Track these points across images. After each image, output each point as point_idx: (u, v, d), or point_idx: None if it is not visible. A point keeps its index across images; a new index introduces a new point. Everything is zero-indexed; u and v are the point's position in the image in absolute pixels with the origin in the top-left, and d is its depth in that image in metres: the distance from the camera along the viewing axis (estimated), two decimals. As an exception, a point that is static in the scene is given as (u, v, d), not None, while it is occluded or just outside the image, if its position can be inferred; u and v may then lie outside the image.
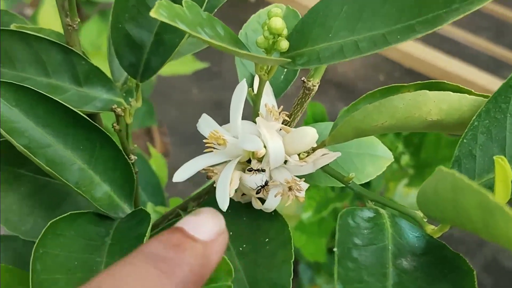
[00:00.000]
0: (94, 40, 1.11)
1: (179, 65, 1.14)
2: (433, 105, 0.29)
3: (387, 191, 1.10)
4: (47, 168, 0.31)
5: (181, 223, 0.25)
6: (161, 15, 0.24)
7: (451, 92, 0.29)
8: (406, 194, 1.07)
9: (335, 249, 0.25)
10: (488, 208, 0.18)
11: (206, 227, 0.25)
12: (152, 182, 0.66)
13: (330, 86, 1.90)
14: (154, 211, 0.62)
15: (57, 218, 0.30)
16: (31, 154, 0.31)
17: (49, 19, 1.06)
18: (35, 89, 0.32)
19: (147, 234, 0.29)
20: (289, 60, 0.29)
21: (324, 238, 1.04)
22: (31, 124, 0.32)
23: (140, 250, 0.24)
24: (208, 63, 1.27)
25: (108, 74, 0.40)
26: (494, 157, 0.24)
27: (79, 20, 0.35)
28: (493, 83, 1.49)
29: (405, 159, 0.93)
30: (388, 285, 0.25)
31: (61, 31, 0.38)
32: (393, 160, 0.39)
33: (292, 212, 1.02)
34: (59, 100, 0.32)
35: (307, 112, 1.03)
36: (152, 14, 0.23)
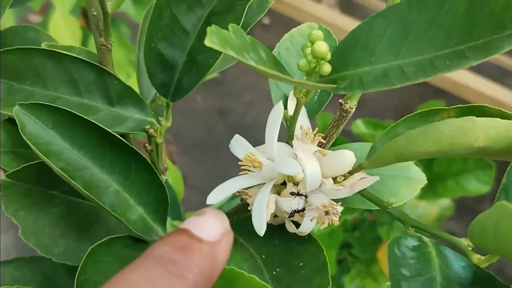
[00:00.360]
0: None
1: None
2: (480, 132, 0.28)
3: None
4: (85, 192, 0.30)
5: (186, 224, 0.26)
6: (214, 43, 0.23)
7: (499, 119, 0.28)
8: (416, 206, 1.07)
9: (388, 284, 0.25)
10: None
11: (212, 228, 0.26)
12: (169, 196, 0.65)
13: (339, 94, 1.89)
14: (171, 225, 0.61)
15: (96, 244, 0.30)
16: (69, 177, 0.30)
17: (60, 28, 1.06)
18: (72, 111, 0.31)
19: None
20: (334, 85, 0.28)
21: (333, 249, 1.03)
22: (67, 146, 0.31)
23: (149, 254, 0.24)
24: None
25: (136, 90, 0.39)
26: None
27: (112, 40, 0.35)
28: (501, 93, 1.49)
29: (418, 171, 0.93)
30: (439, 317, 0.25)
31: (73, 41, 0.38)
32: (426, 182, 0.38)
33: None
34: (94, 122, 0.32)
35: (319, 123, 1.03)
36: (207, 43, 0.23)
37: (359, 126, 0.94)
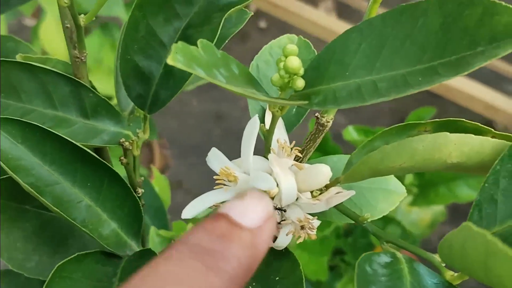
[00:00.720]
0: (95, 55, 1.10)
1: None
2: (453, 148, 0.28)
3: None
4: (54, 208, 0.30)
5: (225, 209, 0.23)
6: (178, 61, 0.23)
7: (473, 135, 0.28)
8: (409, 212, 1.06)
9: (355, 304, 0.24)
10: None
11: (254, 212, 0.23)
12: (155, 204, 0.65)
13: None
14: (157, 234, 0.61)
15: (64, 260, 0.29)
16: (37, 194, 0.30)
17: (51, 33, 1.06)
18: (42, 126, 0.31)
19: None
20: (306, 102, 0.28)
21: (325, 256, 1.03)
22: (37, 161, 0.31)
23: (184, 241, 0.21)
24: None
25: (114, 101, 0.39)
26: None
27: (87, 52, 0.35)
28: (495, 98, 1.49)
29: (409, 178, 0.93)
30: (408, 337, 0.25)
31: (64, 46, 0.38)
32: (406, 195, 0.38)
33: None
34: (65, 137, 0.32)
35: (309, 128, 1.02)
36: (169, 61, 0.22)
37: (351, 133, 0.93)
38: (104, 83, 1.04)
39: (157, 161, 1.55)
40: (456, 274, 0.28)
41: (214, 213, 0.23)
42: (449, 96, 1.58)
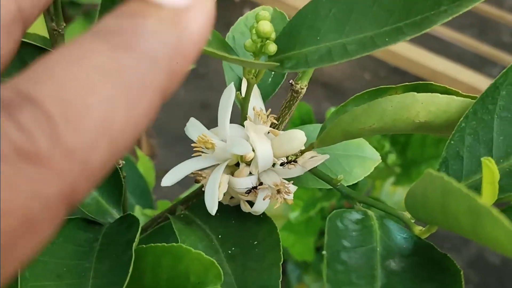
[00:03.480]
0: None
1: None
2: (421, 107, 0.29)
3: (374, 190, 1.11)
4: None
5: None
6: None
7: (439, 94, 0.29)
8: (393, 192, 1.08)
9: (324, 252, 0.25)
10: (476, 211, 0.19)
11: None
12: (139, 185, 0.66)
13: (317, 85, 1.90)
14: (142, 214, 0.62)
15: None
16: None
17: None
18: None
19: (136, 239, 0.29)
20: (277, 64, 0.29)
21: (311, 237, 1.04)
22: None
23: (87, 31, 0.17)
24: (195, 65, 1.27)
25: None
26: (482, 159, 0.24)
27: (64, 24, 0.35)
28: (479, 81, 1.51)
29: (392, 158, 0.94)
30: (376, 286, 0.26)
31: (46, 33, 0.38)
32: (380, 161, 0.39)
33: (280, 212, 1.02)
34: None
35: (294, 112, 1.03)
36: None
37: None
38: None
39: (144, 150, 1.56)
40: (424, 228, 0.29)
41: None
42: (434, 80, 1.60)
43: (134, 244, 0.29)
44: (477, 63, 1.82)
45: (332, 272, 0.25)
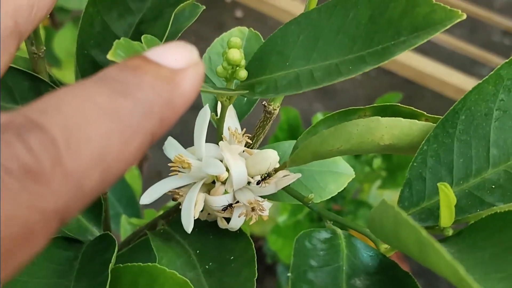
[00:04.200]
0: (68, 47, 1.11)
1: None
2: (385, 131, 0.30)
3: (362, 192, 1.12)
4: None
5: (144, 53, 0.20)
6: (118, 56, 0.25)
7: (402, 119, 0.30)
8: (380, 195, 1.09)
9: (289, 274, 0.27)
10: (422, 242, 0.20)
11: (174, 55, 0.20)
12: (126, 194, 0.67)
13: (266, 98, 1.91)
14: (128, 223, 0.63)
15: (25, 246, 0.31)
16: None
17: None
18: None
19: (112, 260, 0.30)
20: (247, 91, 0.30)
21: (301, 240, 1.05)
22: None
23: (91, 77, 0.19)
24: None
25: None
26: (438, 184, 0.25)
27: (44, 48, 0.36)
28: (468, 83, 1.52)
29: (377, 162, 0.95)
30: (341, 305, 0.27)
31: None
32: (354, 176, 0.40)
33: (269, 215, 1.03)
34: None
35: (281, 116, 1.04)
36: (109, 57, 0.24)
37: (318, 119, 0.95)
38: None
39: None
40: (389, 246, 0.30)
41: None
42: (424, 82, 1.61)
43: (110, 265, 0.30)
44: (467, 64, 1.84)
45: (297, 292, 0.26)
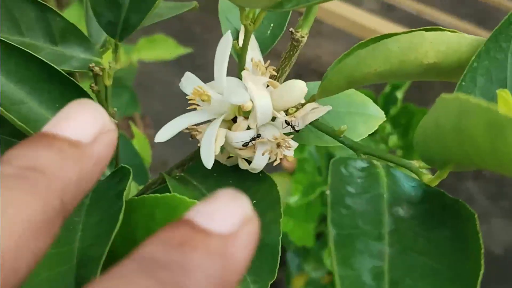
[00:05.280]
0: (74, 26, 1.09)
1: (162, 51, 1.12)
2: (430, 47, 0.27)
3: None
4: (20, 123, 0.29)
5: (189, 213, 0.18)
6: None
7: (449, 32, 0.27)
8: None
9: (327, 192, 0.24)
10: (497, 124, 0.17)
11: (225, 215, 0.17)
12: (135, 162, 0.64)
13: (315, 76, 1.89)
14: (137, 190, 0.60)
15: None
16: (3, 110, 0.29)
17: None
18: (6, 41, 0.30)
19: (127, 188, 0.27)
20: (277, -1, 0.27)
21: (311, 223, 1.02)
22: (2, 79, 0.30)
23: (132, 258, 0.17)
24: (192, 55, 1.25)
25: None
26: (497, 91, 0.22)
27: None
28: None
29: (393, 139, 0.92)
30: (384, 232, 0.24)
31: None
32: (385, 119, 0.37)
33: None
34: (32, 53, 0.30)
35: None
36: None
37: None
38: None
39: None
40: (433, 176, 0.27)
41: (175, 220, 0.18)
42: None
43: (125, 193, 0.27)
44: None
45: (336, 215, 0.23)
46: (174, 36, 1.27)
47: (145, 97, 1.78)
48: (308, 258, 1.13)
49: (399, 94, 0.93)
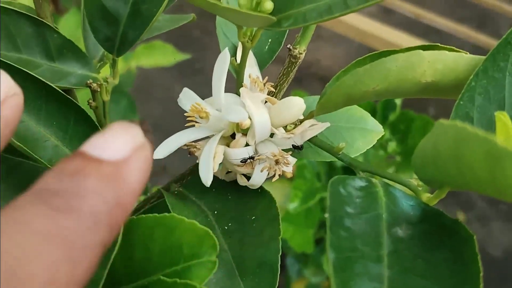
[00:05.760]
0: (73, 33, 1.09)
1: (160, 57, 1.12)
2: (427, 66, 0.27)
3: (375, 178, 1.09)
4: (18, 143, 0.29)
5: (83, 146, 0.18)
6: None
7: (447, 52, 0.27)
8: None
9: (326, 215, 0.24)
10: (495, 155, 0.17)
11: (116, 144, 0.18)
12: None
13: (314, 80, 1.89)
14: (137, 201, 0.60)
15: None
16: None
17: None
18: (2, 59, 0.30)
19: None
20: (274, 18, 0.27)
21: (311, 229, 1.02)
22: (-2, 97, 0.30)
23: (28, 190, 0.17)
24: (191, 59, 1.25)
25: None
26: (496, 113, 0.22)
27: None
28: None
29: (392, 146, 0.92)
30: (383, 254, 0.24)
31: (32, 5, 0.36)
32: (383, 133, 0.37)
33: (279, 203, 1.00)
34: (29, 72, 0.30)
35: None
36: None
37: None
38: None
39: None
40: (432, 195, 0.27)
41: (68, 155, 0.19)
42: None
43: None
44: (476, 54, 1.80)
45: (335, 237, 0.23)
46: (173, 40, 1.27)
47: (144, 102, 1.79)
48: (308, 263, 1.13)
49: (398, 101, 0.93)
